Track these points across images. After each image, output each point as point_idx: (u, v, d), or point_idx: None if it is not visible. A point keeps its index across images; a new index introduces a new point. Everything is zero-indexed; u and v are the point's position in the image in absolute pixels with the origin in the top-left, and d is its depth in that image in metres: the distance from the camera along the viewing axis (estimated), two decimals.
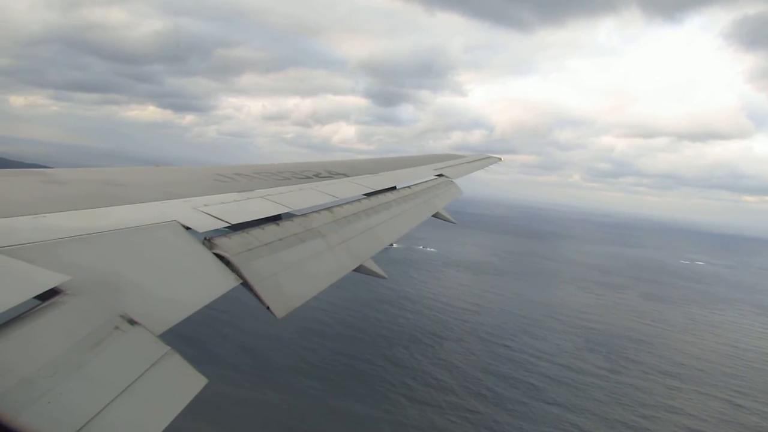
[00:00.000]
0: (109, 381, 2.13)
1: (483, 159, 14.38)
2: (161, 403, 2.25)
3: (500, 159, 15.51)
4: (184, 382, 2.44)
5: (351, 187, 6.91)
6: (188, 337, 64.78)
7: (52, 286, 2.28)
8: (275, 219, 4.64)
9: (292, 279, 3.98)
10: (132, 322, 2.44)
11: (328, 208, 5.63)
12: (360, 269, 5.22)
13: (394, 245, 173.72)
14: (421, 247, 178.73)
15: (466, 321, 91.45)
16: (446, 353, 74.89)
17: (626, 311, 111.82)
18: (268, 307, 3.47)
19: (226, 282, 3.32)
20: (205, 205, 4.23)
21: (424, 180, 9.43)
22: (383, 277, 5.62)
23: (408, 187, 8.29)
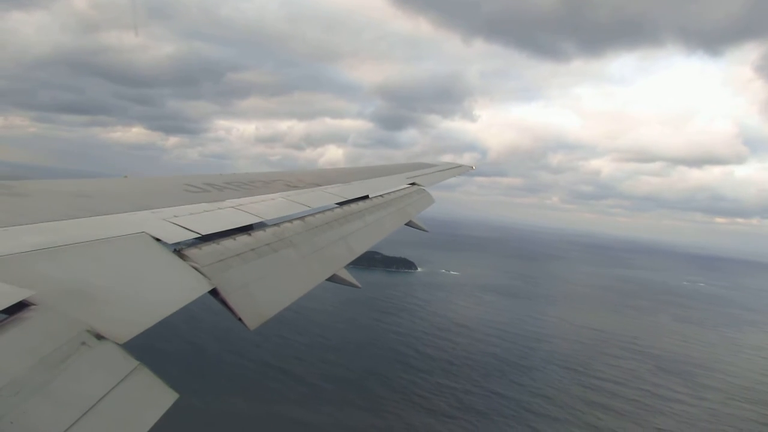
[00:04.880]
0: (75, 399, 2.07)
1: (455, 167, 14.22)
2: (129, 421, 2.20)
3: (472, 168, 15.41)
4: (154, 398, 2.37)
5: (323, 197, 6.87)
6: None
7: (13, 302, 2.23)
8: (247, 229, 4.59)
9: (265, 289, 3.90)
10: (99, 336, 2.37)
11: (301, 218, 5.56)
12: (333, 279, 5.12)
13: (419, 269, 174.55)
14: (444, 270, 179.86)
15: (534, 349, 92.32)
16: (535, 382, 75.33)
17: (671, 335, 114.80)
18: (240, 319, 3.40)
19: (198, 287, 3.29)
20: (175, 216, 4.15)
21: (397, 189, 9.29)
22: (357, 287, 5.40)
23: (380, 195, 8.22)
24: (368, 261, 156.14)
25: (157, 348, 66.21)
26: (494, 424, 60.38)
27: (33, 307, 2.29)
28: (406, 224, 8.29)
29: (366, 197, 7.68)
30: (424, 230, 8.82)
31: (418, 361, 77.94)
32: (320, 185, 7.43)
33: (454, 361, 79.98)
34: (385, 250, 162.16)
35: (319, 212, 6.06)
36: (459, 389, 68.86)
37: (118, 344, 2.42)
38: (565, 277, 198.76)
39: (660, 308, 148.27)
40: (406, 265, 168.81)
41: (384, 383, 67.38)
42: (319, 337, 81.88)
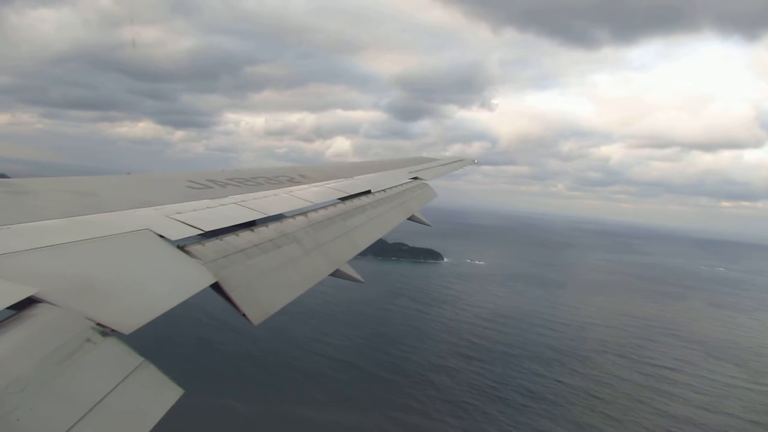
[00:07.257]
0: (80, 395, 2.09)
1: (457, 161, 14.26)
2: (135, 417, 2.22)
3: (475, 161, 15.41)
4: (159, 394, 2.39)
5: (326, 192, 6.88)
6: None
7: (18, 300, 2.25)
8: (250, 225, 4.61)
9: (268, 285, 3.92)
10: (104, 333, 2.39)
11: (303, 213, 5.55)
12: (336, 274, 5.15)
13: (445, 259, 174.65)
14: (469, 260, 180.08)
15: (583, 338, 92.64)
16: (594, 370, 75.64)
17: (709, 320, 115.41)
18: (244, 315, 3.42)
19: (201, 283, 3.32)
20: (178, 213, 4.18)
21: (399, 183, 9.33)
22: (360, 281, 5.40)
23: (383, 190, 8.22)
24: (396, 252, 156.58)
25: (215, 342, 66.36)
26: (568, 411, 60.72)
27: (38, 304, 2.32)
28: (408, 219, 8.31)
29: (368, 192, 7.67)
30: (426, 224, 8.77)
31: (476, 352, 78.29)
32: (323, 181, 7.46)
33: (510, 351, 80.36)
34: (409, 240, 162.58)
35: (322, 208, 6.03)
36: (525, 378, 69.25)
37: (122, 341, 2.44)
38: (585, 265, 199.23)
39: (689, 294, 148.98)
40: (433, 255, 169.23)
41: (452, 375, 67.72)
42: (375, 332, 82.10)
